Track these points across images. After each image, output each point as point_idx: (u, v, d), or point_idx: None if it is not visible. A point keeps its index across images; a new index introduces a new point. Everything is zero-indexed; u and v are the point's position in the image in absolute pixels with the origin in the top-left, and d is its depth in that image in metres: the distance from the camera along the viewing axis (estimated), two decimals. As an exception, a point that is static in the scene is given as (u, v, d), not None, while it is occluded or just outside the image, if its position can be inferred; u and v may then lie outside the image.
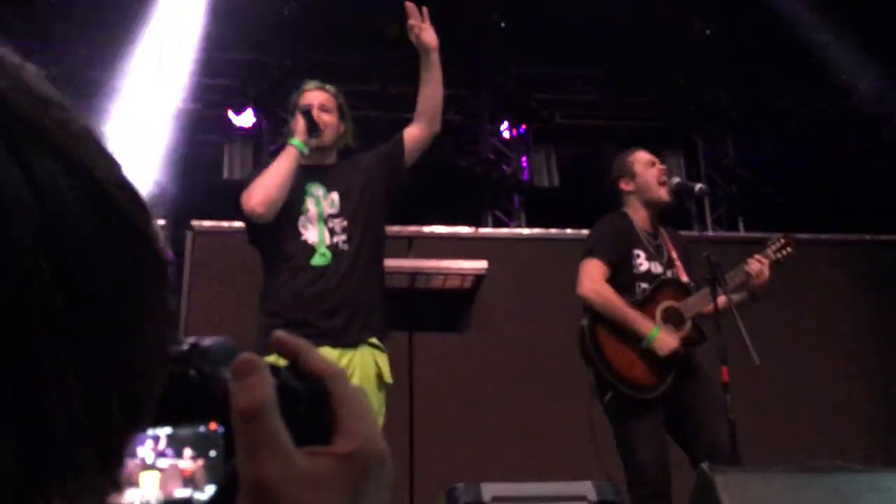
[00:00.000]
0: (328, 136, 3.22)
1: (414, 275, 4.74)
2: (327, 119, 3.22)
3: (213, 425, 0.51)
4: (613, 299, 3.49)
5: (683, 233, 4.01)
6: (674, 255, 3.70)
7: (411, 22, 3.11)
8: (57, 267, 0.39)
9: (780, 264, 3.73)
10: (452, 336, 5.10)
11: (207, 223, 5.06)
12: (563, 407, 4.69)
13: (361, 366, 3.01)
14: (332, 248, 3.09)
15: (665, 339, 3.43)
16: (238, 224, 5.14)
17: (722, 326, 3.35)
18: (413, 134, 3.28)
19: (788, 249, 3.74)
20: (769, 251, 3.72)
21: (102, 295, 0.42)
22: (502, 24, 5.91)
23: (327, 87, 3.33)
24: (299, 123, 3.15)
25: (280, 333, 0.53)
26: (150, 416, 0.45)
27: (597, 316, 3.52)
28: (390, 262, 4.37)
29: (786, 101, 7.44)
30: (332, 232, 3.12)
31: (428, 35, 3.13)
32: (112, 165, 0.44)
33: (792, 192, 6.94)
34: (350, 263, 3.10)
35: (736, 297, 3.57)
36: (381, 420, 3.04)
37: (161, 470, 0.51)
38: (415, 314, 4.80)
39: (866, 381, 5.55)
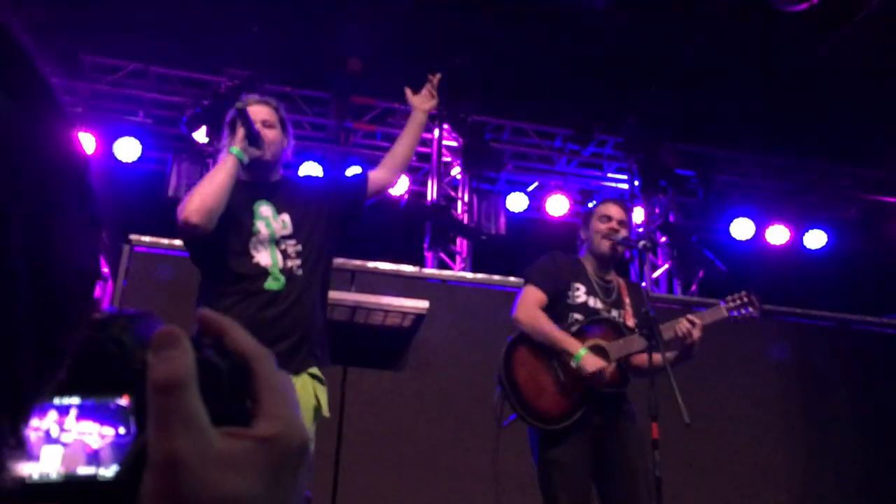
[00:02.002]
0: (272, 152, 3.10)
1: (355, 309, 4.66)
2: (271, 136, 3.11)
3: (125, 399, 0.47)
4: (542, 321, 3.51)
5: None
6: (626, 300, 3.69)
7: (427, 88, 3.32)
8: None
9: (737, 323, 3.60)
10: (387, 374, 5.03)
11: (146, 238, 4.95)
12: (491, 453, 4.64)
13: (301, 394, 2.93)
14: (286, 272, 2.99)
15: (592, 359, 3.43)
16: (177, 242, 5.06)
17: (655, 383, 3.36)
18: (378, 178, 3.30)
19: (749, 310, 3.60)
20: (723, 307, 3.63)
21: (32, 229, 0.39)
22: (457, 61, 5.97)
23: (268, 100, 3.24)
24: (239, 131, 3.01)
25: (205, 310, 0.51)
26: (63, 372, 0.42)
27: (519, 340, 3.55)
28: (332, 294, 4.30)
29: (732, 171, 7.65)
30: (284, 255, 3.02)
31: (431, 103, 3.34)
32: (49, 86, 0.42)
33: (731, 263, 7.10)
34: (303, 289, 3.01)
35: (670, 353, 3.59)
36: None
37: (65, 444, 0.47)
38: (351, 349, 4.72)
39: (792, 446, 5.65)
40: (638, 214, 7.35)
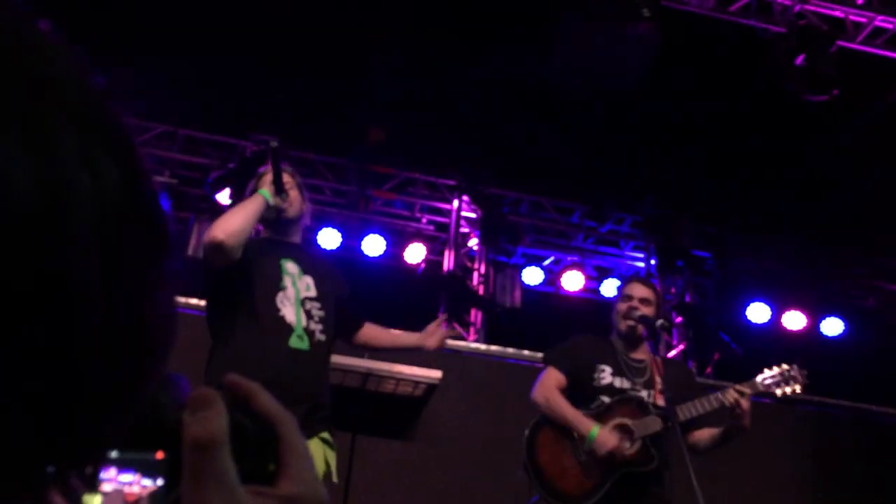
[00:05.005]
0: (294, 207, 3.20)
1: (367, 375, 4.66)
2: (293, 194, 3.21)
3: (159, 454, 0.49)
4: (559, 402, 3.52)
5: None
6: (657, 378, 3.64)
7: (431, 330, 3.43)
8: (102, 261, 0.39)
9: (781, 401, 3.55)
10: (396, 443, 4.99)
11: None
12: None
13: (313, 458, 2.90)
14: (310, 334, 3.02)
15: (605, 438, 3.40)
16: (194, 301, 5.07)
17: (671, 466, 3.32)
18: (363, 336, 3.45)
19: (794, 385, 3.57)
20: (765, 379, 3.59)
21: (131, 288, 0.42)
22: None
23: (285, 166, 3.31)
24: (266, 177, 3.14)
25: (233, 375, 0.54)
26: (134, 416, 0.44)
27: (541, 422, 3.56)
28: (344, 360, 4.31)
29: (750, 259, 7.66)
30: (308, 315, 3.05)
31: (435, 345, 3.44)
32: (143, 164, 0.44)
33: (747, 346, 7.03)
34: (324, 355, 3.08)
35: (706, 434, 3.55)
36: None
37: (105, 494, 0.49)
38: (361, 416, 4.70)
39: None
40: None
